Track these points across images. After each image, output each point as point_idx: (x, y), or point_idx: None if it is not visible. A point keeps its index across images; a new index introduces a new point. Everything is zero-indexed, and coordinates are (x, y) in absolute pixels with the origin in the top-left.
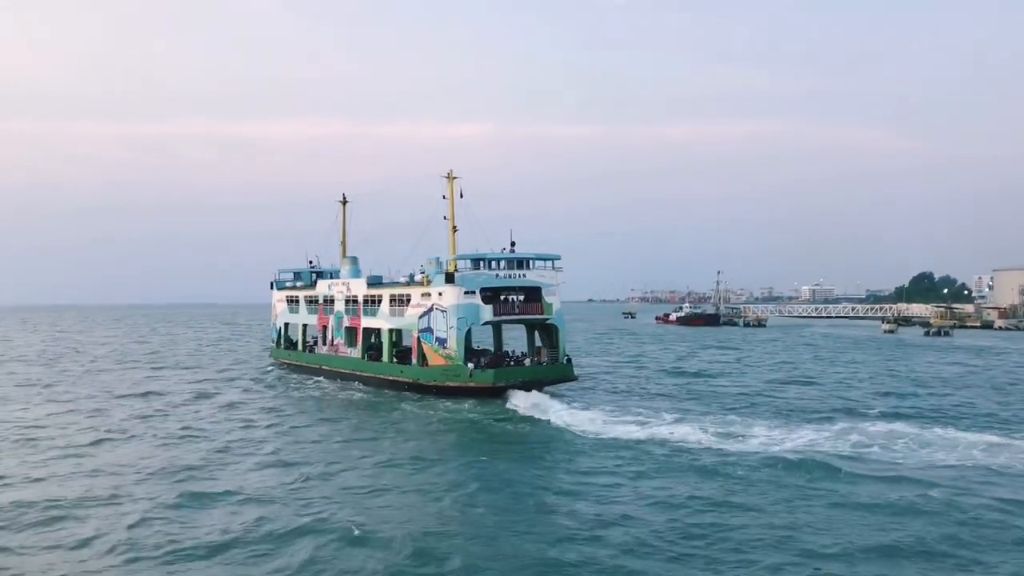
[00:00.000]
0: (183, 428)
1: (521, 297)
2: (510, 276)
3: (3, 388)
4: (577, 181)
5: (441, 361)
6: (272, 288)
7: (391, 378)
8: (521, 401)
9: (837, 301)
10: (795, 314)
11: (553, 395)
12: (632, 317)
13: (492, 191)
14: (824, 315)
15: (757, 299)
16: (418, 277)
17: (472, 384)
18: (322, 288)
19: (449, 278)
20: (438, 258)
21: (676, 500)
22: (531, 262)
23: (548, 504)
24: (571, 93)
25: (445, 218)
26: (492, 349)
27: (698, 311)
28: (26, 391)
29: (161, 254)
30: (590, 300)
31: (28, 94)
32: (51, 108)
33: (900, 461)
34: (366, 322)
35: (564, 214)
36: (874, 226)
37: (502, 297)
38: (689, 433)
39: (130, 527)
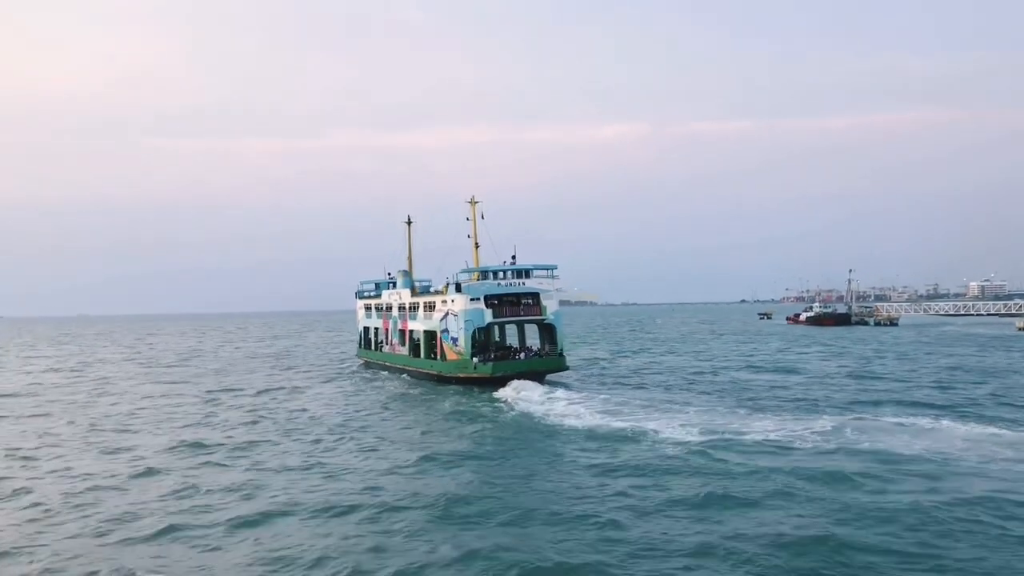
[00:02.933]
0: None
1: (530, 300)
2: (511, 284)
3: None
4: (731, 176)
5: (455, 356)
6: (356, 297)
7: (424, 371)
8: (509, 392)
9: (1010, 297)
10: (932, 312)
11: (550, 384)
12: (768, 318)
13: (648, 187)
14: (963, 313)
15: (921, 296)
16: (439, 287)
17: (476, 375)
18: (385, 297)
19: (458, 288)
20: (462, 271)
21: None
22: (531, 272)
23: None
24: (721, 88)
25: (468, 237)
26: (516, 345)
27: (828, 310)
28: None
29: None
30: (743, 301)
31: (194, 113)
32: (217, 126)
33: (831, 448)
34: (411, 325)
35: (719, 214)
36: None
37: (503, 301)
38: (665, 425)
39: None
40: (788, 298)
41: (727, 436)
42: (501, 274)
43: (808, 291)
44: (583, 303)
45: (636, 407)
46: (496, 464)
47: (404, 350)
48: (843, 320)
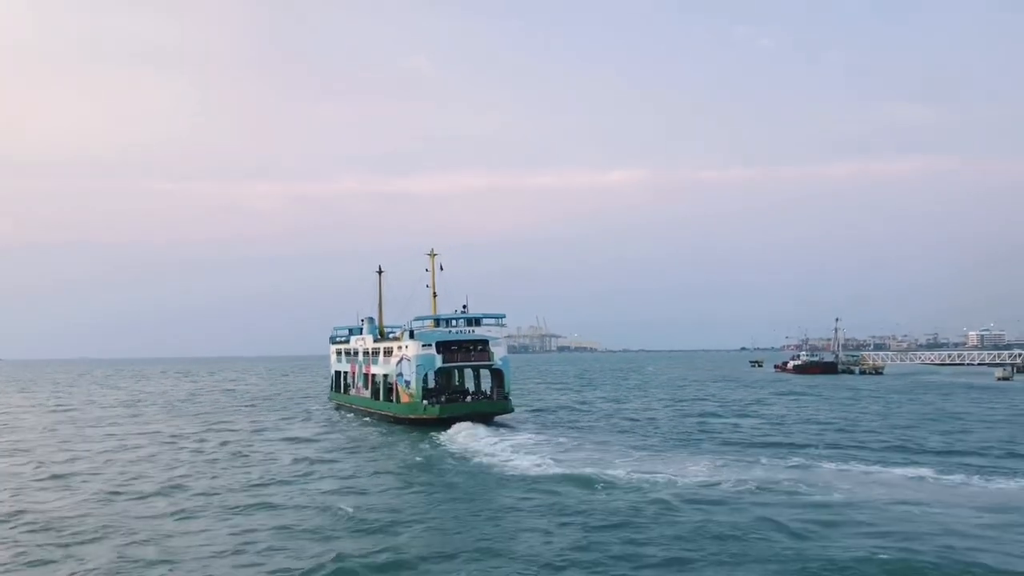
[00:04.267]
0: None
1: (479, 347)
2: (461, 332)
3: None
4: (728, 221)
5: (407, 399)
6: (330, 342)
7: (382, 412)
8: (450, 433)
9: (1008, 347)
10: (920, 361)
11: (496, 425)
12: (759, 366)
13: (648, 231)
14: (953, 363)
15: (920, 345)
16: (397, 333)
17: (425, 416)
18: (352, 343)
19: (411, 334)
20: (415, 319)
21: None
22: (480, 320)
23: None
24: (721, 136)
25: (427, 286)
26: (471, 388)
27: (815, 359)
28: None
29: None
30: (743, 348)
31: (204, 156)
32: (222, 170)
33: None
34: (373, 369)
35: (713, 259)
36: None
37: (453, 347)
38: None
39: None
40: (788, 346)
41: (630, 474)
42: (453, 322)
43: (807, 339)
44: (583, 349)
45: (568, 448)
46: (400, 493)
47: (367, 393)
48: (829, 369)
